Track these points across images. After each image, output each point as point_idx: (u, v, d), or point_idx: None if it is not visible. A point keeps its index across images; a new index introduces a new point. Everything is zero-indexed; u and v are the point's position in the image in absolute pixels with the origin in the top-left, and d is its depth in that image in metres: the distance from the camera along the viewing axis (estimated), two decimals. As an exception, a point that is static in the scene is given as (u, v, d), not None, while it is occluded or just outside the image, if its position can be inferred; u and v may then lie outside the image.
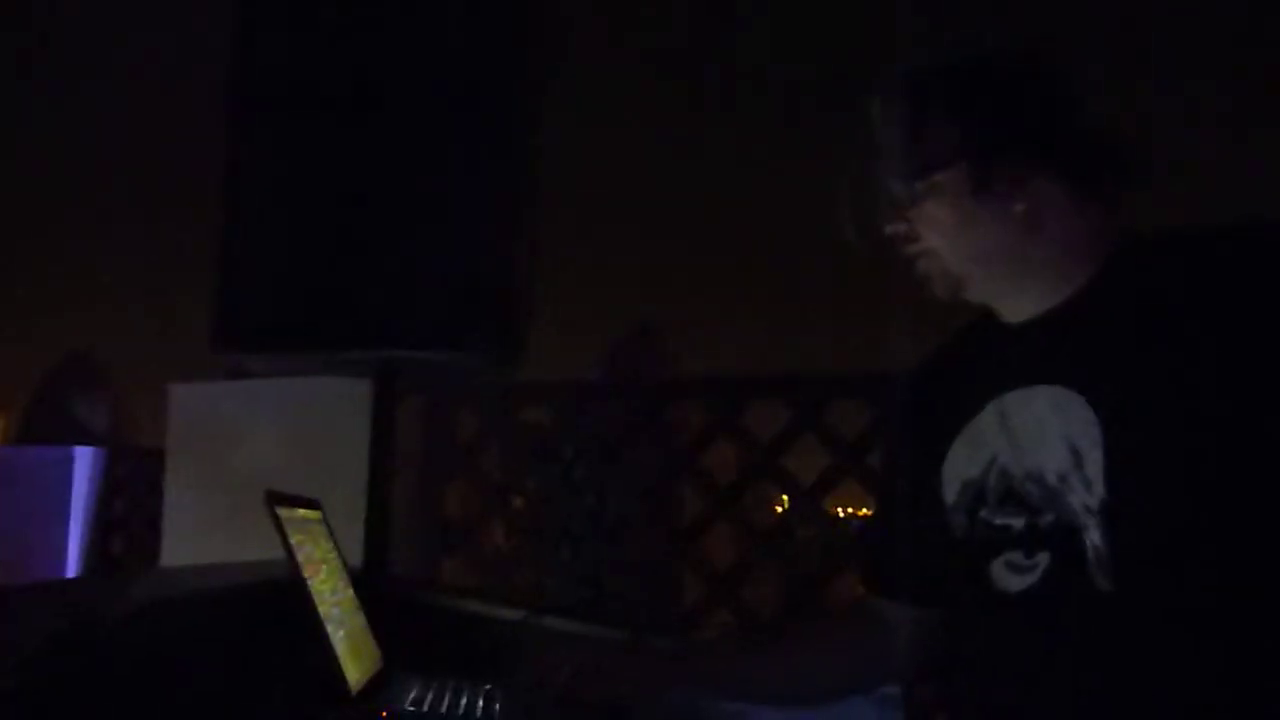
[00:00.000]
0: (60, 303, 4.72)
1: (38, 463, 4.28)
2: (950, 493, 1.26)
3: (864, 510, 2.87)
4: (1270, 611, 1.09)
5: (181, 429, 2.86)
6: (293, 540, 1.46)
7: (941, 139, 1.22)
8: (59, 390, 4.98)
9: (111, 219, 4.48)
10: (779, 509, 3.08)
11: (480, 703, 1.54)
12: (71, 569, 4.12)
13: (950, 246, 1.23)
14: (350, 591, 1.71)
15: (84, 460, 4.29)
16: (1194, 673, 1.09)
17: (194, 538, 2.69)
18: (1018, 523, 1.19)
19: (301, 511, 1.61)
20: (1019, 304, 1.26)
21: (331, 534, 1.76)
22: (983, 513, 1.22)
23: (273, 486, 1.48)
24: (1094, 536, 1.12)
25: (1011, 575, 1.19)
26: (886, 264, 1.36)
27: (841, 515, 2.94)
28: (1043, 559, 1.16)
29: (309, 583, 1.46)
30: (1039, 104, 1.22)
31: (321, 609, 1.46)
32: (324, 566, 1.61)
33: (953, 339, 1.41)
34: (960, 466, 1.26)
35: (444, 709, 1.50)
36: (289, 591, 1.46)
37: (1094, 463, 1.13)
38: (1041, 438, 1.18)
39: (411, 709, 1.49)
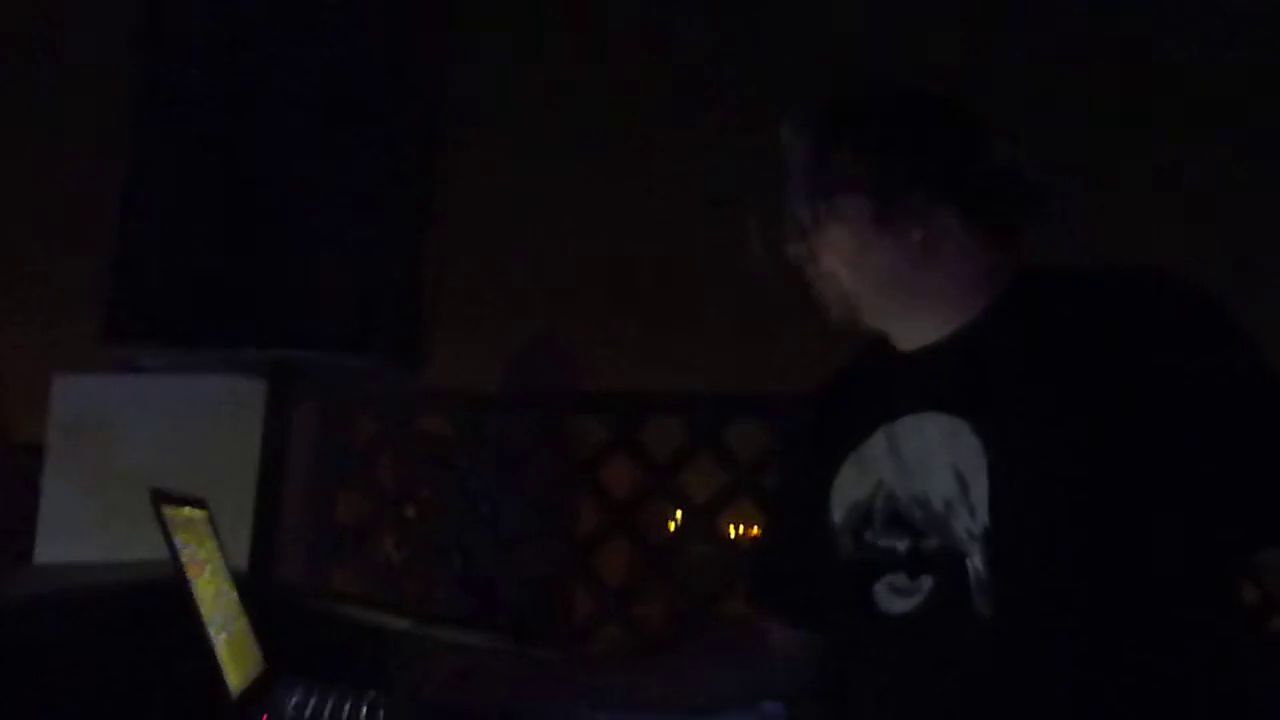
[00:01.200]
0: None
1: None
2: (838, 514, 1.28)
3: (756, 530, 2.90)
4: (1146, 637, 1.12)
5: (64, 423, 2.77)
6: (177, 539, 1.42)
7: (845, 165, 1.25)
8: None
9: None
10: (673, 525, 3.11)
11: (364, 710, 1.52)
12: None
13: (848, 271, 1.26)
14: (234, 594, 1.67)
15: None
16: (1072, 699, 1.12)
17: (70, 537, 2.60)
18: (902, 545, 1.21)
19: (188, 510, 1.58)
20: (912, 332, 1.28)
21: (217, 535, 1.73)
22: (868, 535, 1.24)
23: (158, 485, 1.45)
24: (976, 562, 1.14)
25: (894, 598, 1.21)
26: (790, 288, 1.38)
27: (735, 535, 2.97)
28: (926, 583, 1.18)
29: (192, 583, 1.43)
30: (945, 140, 1.25)
31: (204, 610, 1.43)
32: (208, 567, 1.58)
33: (848, 364, 1.43)
34: (848, 489, 1.28)
35: (326, 716, 1.48)
36: (170, 592, 1.42)
37: (979, 490, 1.15)
38: (929, 464, 1.20)
39: (293, 715, 1.47)
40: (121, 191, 1.87)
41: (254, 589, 1.79)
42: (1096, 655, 1.12)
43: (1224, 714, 1.15)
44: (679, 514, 3.01)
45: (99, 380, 2.68)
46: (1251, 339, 1.16)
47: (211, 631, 1.43)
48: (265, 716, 1.40)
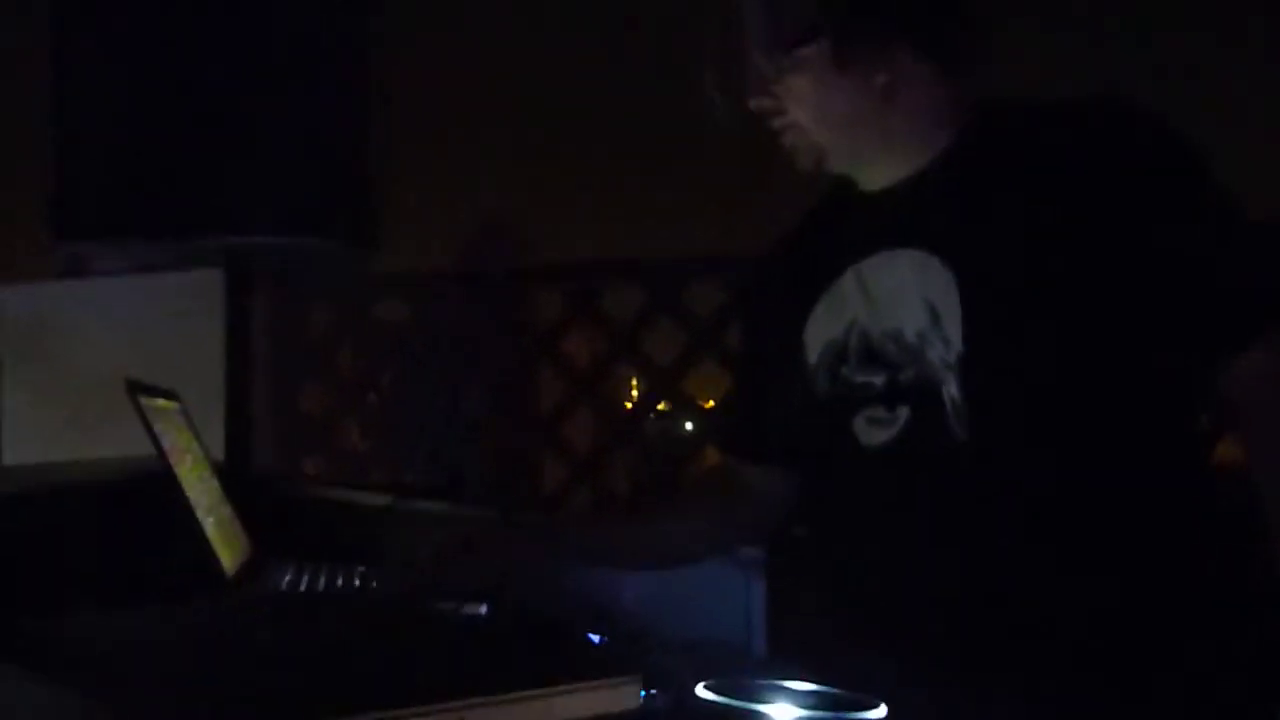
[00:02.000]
0: None
1: None
2: (813, 354, 1.30)
3: (712, 402, 2.93)
4: (1116, 453, 1.16)
5: (16, 334, 2.72)
6: (156, 428, 1.42)
7: (803, 13, 1.24)
8: None
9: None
10: (635, 393, 3.13)
11: (356, 583, 1.54)
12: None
13: (813, 118, 1.25)
14: (216, 482, 1.68)
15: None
16: (1044, 515, 1.15)
17: (37, 443, 2.59)
18: (878, 379, 1.23)
19: (161, 402, 1.58)
20: (878, 172, 1.29)
21: (192, 425, 1.73)
22: (844, 371, 1.26)
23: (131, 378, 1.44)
24: (951, 389, 1.17)
25: (873, 429, 1.23)
26: (742, 146, 1.37)
27: (699, 398, 2.99)
28: (903, 413, 1.21)
29: (175, 470, 1.43)
30: None
31: (190, 496, 1.44)
32: (188, 456, 1.58)
33: (812, 210, 1.44)
34: (822, 329, 1.30)
35: (321, 590, 1.51)
36: (155, 483, 1.43)
37: (951, 320, 1.17)
38: (901, 298, 1.22)
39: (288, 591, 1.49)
40: (56, 87, 1.81)
41: (234, 476, 1.80)
42: (1069, 471, 1.15)
43: (1191, 530, 1.20)
44: (635, 381, 3.03)
45: (51, 287, 2.63)
46: (1206, 164, 1.18)
47: (200, 515, 1.44)
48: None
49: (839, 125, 1.25)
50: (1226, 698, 1.15)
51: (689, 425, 3.06)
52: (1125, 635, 1.14)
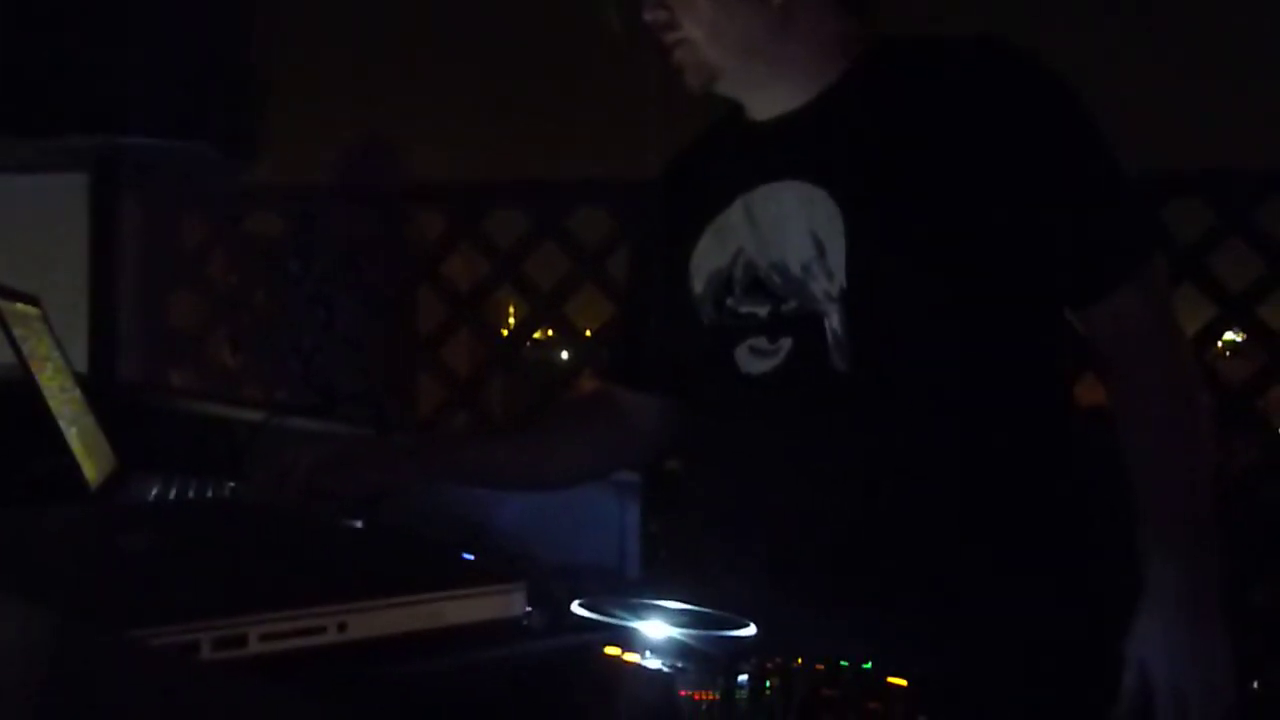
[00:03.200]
0: None
1: None
2: (698, 284, 1.31)
3: (590, 331, 2.93)
4: (989, 385, 1.20)
5: None
6: (15, 334, 1.37)
7: None
8: None
9: None
10: (513, 320, 3.11)
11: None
12: None
13: (706, 37, 1.25)
14: (78, 392, 1.63)
15: None
16: (916, 446, 1.19)
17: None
18: (762, 310, 1.24)
19: (20, 306, 1.52)
20: (768, 100, 1.29)
21: (53, 333, 1.66)
22: (729, 301, 1.27)
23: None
24: (834, 322, 1.19)
25: (755, 359, 1.25)
26: (633, 69, 1.36)
27: (580, 328, 2.99)
28: (785, 344, 1.23)
29: (36, 377, 1.38)
30: None
31: (51, 405, 1.39)
32: (49, 364, 1.53)
33: (700, 137, 1.44)
34: (708, 258, 1.30)
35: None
36: (13, 390, 1.38)
37: (836, 253, 1.19)
38: (787, 230, 1.23)
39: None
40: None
41: (97, 387, 1.74)
42: (941, 403, 1.19)
43: (1048, 463, 1.25)
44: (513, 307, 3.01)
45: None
46: (1078, 104, 1.21)
47: (62, 425, 1.39)
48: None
49: (733, 46, 1.25)
50: (1068, 629, 1.21)
51: (566, 354, 3.06)
52: (980, 557, 1.19)
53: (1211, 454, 1.25)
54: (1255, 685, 2.49)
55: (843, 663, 0.75)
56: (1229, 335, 2.67)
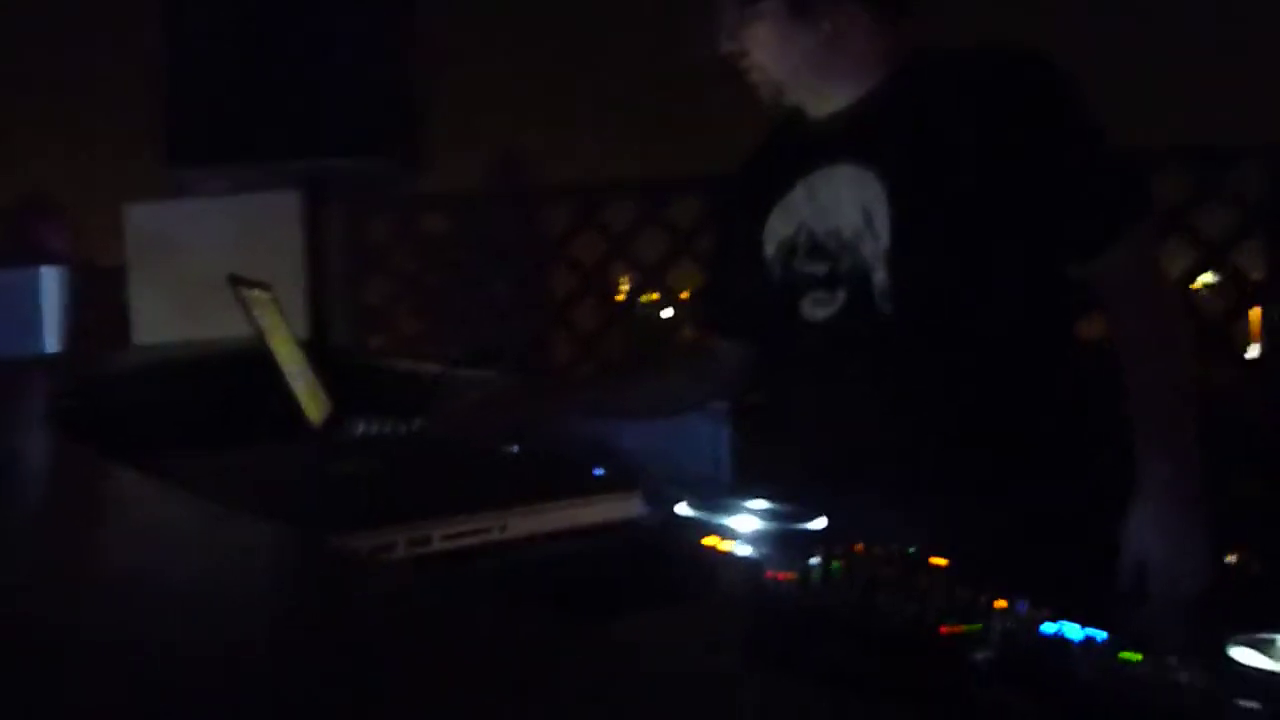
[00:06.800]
0: (16, 144, 4.29)
1: (5, 284, 3.95)
2: (770, 249, 1.29)
3: (686, 294, 2.93)
4: (1007, 326, 1.17)
5: (139, 244, 2.67)
6: (253, 312, 1.41)
7: None
8: (20, 220, 4.59)
9: (59, 63, 4.05)
10: (626, 287, 3.12)
11: (412, 433, 1.54)
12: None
13: (772, 61, 1.23)
14: (302, 354, 1.67)
15: (50, 278, 3.98)
16: (951, 373, 1.17)
17: (159, 332, 2.56)
18: (821, 269, 1.22)
19: (257, 291, 1.55)
20: (824, 102, 1.26)
21: (281, 311, 1.71)
22: (795, 262, 1.26)
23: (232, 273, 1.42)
24: (880, 276, 1.17)
25: (816, 308, 1.23)
26: (714, 84, 1.34)
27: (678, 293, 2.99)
28: (840, 294, 1.21)
29: (270, 344, 1.42)
30: None
31: (282, 366, 1.43)
32: (279, 334, 1.57)
33: (767, 137, 1.41)
34: (777, 229, 1.29)
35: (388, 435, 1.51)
36: (255, 355, 1.42)
37: (881, 222, 1.17)
38: (840, 204, 1.21)
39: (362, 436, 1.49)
40: (167, 48, 1.75)
41: (316, 351, 1.79)
42: (972, 339, 1.16)
43: (1059, 385, 1.21)
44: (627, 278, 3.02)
45: (164, 207, 2.58)
46: (1084, 99, 1.16)
47: (290, 379, 1.43)
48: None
49: (792, 65, 1.23)
50: (1078, 516, 1.17)
51: (668, 311, 3.06)
52: (1004, 462, 1.17)
53: (1193, 373, 1.20)
54: (1233, 559, 2.39)
55: (905, 548, 0.74)
56: (1206, 277, 2.62)
